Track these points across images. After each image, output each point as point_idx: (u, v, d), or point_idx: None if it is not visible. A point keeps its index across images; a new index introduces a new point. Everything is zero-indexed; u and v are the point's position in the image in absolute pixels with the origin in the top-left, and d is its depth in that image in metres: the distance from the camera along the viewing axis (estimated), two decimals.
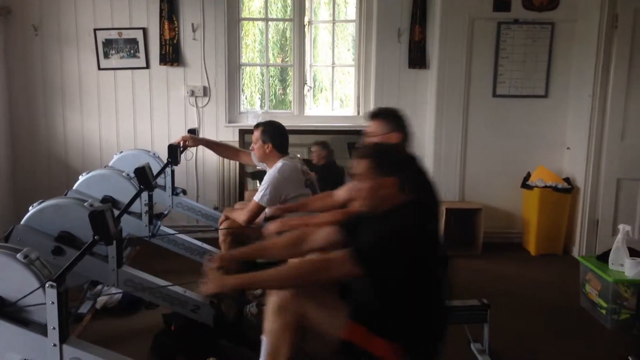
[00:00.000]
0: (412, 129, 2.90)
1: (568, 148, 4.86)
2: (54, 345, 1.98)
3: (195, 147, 4.51)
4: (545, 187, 4.72)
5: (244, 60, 5.35)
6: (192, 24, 4.86)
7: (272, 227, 2.85)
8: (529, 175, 4.90)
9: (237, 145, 4.81)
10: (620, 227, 3.46)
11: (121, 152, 4.03)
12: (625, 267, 3.39)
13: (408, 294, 2.07)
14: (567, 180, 4.80)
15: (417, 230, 2.10)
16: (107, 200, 3.22)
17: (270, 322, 2.16)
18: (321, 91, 6.00)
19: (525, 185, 4.88)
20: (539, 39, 4.86)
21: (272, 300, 2.16)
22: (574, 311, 3.67)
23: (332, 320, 2.10)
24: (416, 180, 2.65)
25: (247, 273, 2.15)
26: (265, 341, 2.18)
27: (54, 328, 1.96)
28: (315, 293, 2.14)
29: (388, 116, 2.86)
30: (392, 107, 3.01)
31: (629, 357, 2.96)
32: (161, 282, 2.90)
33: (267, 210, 3.40)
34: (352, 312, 2.10)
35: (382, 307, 2.08)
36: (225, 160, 4.88)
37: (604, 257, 3.56)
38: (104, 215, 2.10)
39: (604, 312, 3.44)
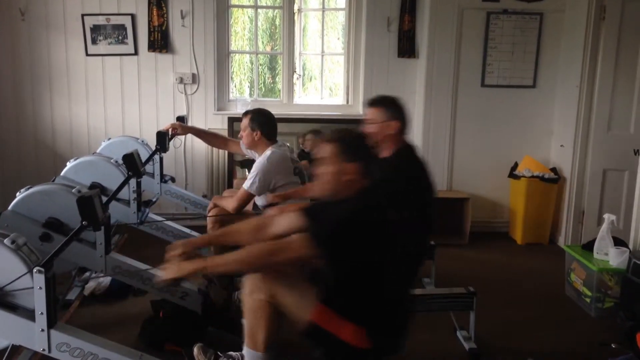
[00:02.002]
0: (410, 117, 2.89)
1: (562, 145, 4.87)
2: (42, 330, 1.98)
3: (184, 135, 4.50)
4: (532, 177, 4.75)
5: (233, 47, 5.32)
6: (181, 11, 4.83)
7: (271, 213, 2.84)
8: (516, 165, 4.93)
9: (226, 133, 4.80)
10: (606, 216, 3.49)
11: (109, 138, 4.00)
12: (609, 256, 3.43)
13: (367, 278, 2.06)
14: (553, 170, 4.84)
15: (376, 214, 2.09)
16: (95, 186, 3.19)
17: (246, 304, 2.21)
18: (310, 80, 5.97)
19: (512, 175, 4.91)
20: (527, 29, 4.88)
21: (246, 283, 2.20)
22: (559, 299, 3.72)
23: (301, 303, 2.12)
24: (410, 168, 2.68)
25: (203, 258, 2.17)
26: (245, 323, 2.23)
27: (41, 313, 1.96)
28: (284, 275, 2.17)
29: (387, 104, 2.85)
30: (391, 95, 2.98)
31: (612, 345, 3.00)
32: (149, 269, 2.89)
33: (261, 198, 3.43)
34: (319, 295, 2.10)
35: (343, 290, 2.09)
36: (214, 148, 4.86)
37: (589, 247, 3.60)
38: (92, 201, 2.11)
39: (588, 300, 3.49)
